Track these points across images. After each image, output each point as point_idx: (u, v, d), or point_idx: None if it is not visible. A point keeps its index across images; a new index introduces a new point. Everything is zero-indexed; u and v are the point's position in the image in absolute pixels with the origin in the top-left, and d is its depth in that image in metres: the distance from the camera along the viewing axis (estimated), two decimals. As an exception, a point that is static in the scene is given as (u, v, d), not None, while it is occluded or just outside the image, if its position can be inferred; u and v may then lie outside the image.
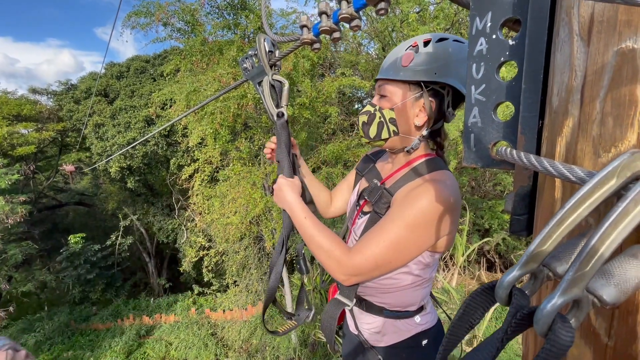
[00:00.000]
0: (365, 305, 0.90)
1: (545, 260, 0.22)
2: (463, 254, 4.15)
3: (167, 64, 6.84)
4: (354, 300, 0.89)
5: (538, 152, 0.39)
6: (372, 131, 0.86)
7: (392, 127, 0.84)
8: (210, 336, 8.32)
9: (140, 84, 10.93)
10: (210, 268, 7.40)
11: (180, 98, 5.15)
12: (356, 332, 0.96)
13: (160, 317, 9.77)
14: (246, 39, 5.03)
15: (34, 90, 13.04)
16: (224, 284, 10.56)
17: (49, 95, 13.34)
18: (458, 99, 0.85)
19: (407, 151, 0.86)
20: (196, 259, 6.57)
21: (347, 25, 0.71)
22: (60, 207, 16.53)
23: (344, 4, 0.64)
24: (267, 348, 6.43)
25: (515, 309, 0.18)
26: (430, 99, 0.82)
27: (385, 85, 0.85)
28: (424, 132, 0.84)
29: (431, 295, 1.01)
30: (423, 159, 0.86)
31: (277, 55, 0.93)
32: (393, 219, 0.76)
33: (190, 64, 5.67)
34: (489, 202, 4.95)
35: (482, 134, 0.47)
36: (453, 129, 3.68)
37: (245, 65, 1.00)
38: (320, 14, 0.69)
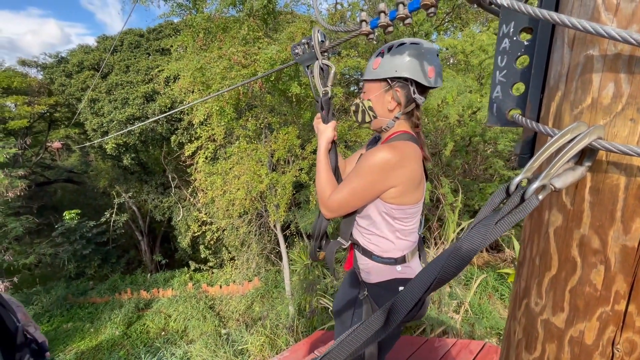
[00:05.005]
0: (361, 249, 1.20)
1: (551, 180, 0.46)
2: (454, 231, 4.49)
3: (167, 39, 6.81)
4: (348, 242, 1.22)
5: (539, 113, 0.63)
6: (359, 117, 1.18)
7: (371, 113, 1.15)
8: (209, 309, 8.62)
9: (135, 58, 10.75)
10: (210, 244, 7.62)
11: (185, 75, 5.21)
12: (355, 269, 1.28)
13: (158, 292, 10.02)
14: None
15: (23, 62, 12.64)
16: (219, 260, 10.77)
17: (39, 68, 12.96)
18: (422, 87, 1.09)
19: (385, 129, 1.17)
20: (199, 233, 6.78)
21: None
22: (48, 184, 16.27)
23: (400, 6, 0.86)
24: (267, 317, 6.79)
25: (518, 191, 0.41)
26: (397, 89, 1.09)
27: (365, 84, 1.17)
28: (397, 114, 1.12)
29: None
30: (397, 134, 1.15)
31: (327, 44, 1.14)
32: (353, 172, 1.08)
33: (193, 40, 5.69)
34: (479, 185, 5.28)
35: (502, 104, 0.71)
36: (453, 112, 3.92)
37: (297, 50, 1.21)
38: (379, 12, 0.91)
